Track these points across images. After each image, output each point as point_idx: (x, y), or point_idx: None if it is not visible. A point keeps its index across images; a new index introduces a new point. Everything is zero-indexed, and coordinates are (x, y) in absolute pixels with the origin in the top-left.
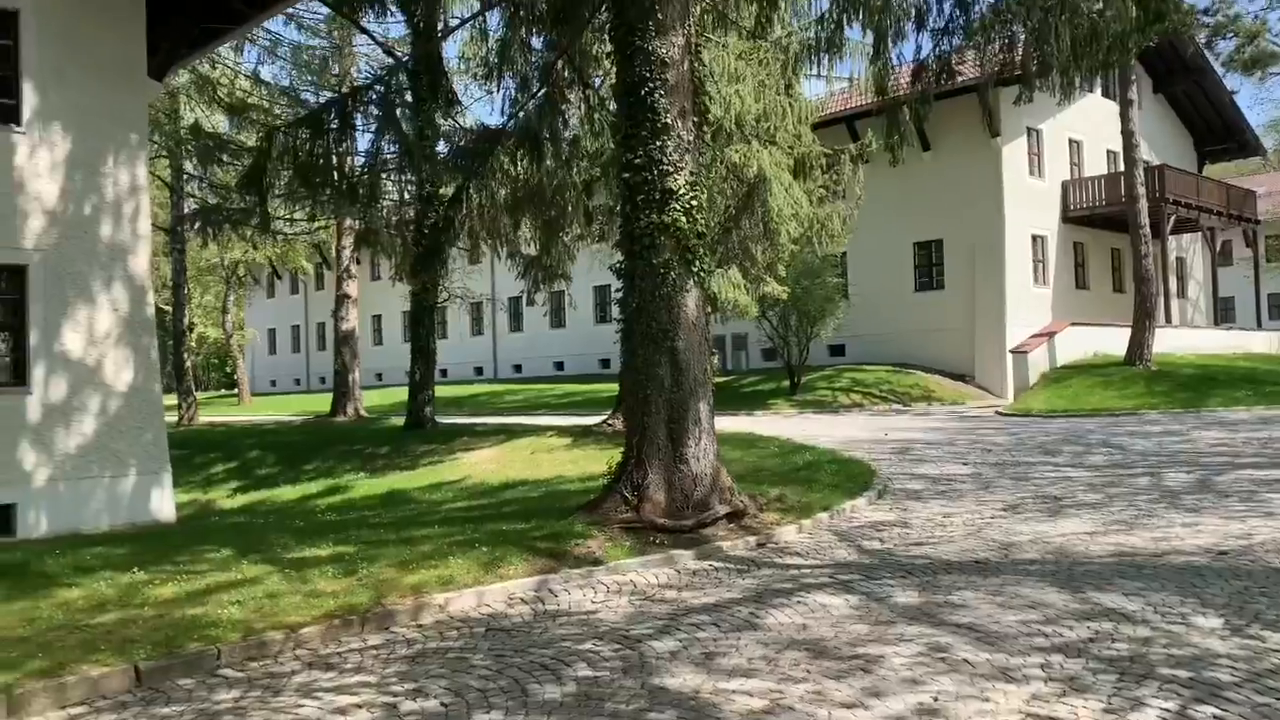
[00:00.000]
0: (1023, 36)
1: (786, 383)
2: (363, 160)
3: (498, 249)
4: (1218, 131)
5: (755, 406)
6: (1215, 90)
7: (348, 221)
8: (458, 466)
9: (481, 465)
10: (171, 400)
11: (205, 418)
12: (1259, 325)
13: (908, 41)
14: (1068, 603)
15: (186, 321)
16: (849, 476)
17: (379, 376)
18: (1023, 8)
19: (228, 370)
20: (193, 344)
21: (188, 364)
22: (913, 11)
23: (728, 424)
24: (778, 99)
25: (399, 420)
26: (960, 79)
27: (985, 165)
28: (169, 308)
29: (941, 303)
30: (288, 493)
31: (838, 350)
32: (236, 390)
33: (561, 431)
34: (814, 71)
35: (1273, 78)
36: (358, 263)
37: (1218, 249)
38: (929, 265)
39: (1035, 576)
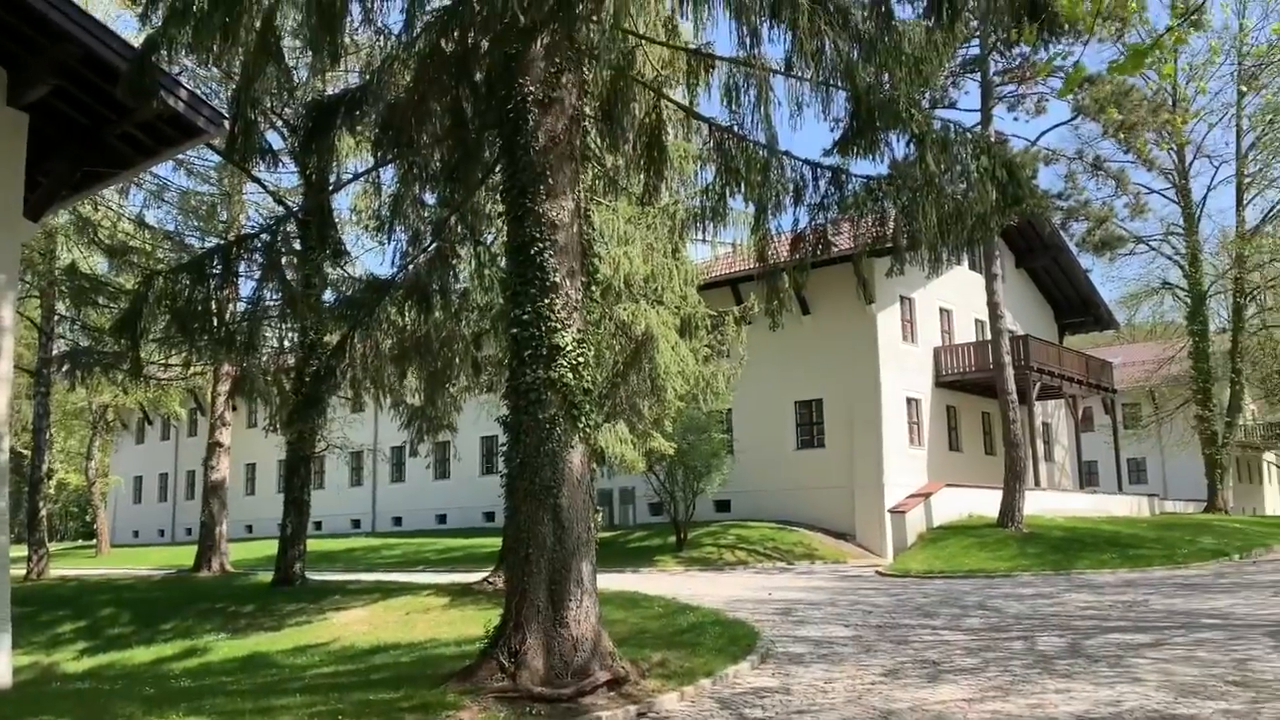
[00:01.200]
0: (893, 213)
1: (673, 538)
2: (244, 307)
3: (380, 399)
4: (1075, 305)
5: (642, 563)
6: (1072, 267)
7: (225, 367)
8: (327, 627)
9: (352, 626)
10: (21, 551)
11: (58, 571)
12: (1120, 489)
13: (787, 214)
14: None
15: (45, 468)
16: (732, 639)
17: (249, 529)
18: (893, 187)
19: (88, 519)
20: (50, 491)
21: (43, 513)
22: (791, 187)
23: (613, 582)
24: (665, 261)
25: (267, 576)
26: (836, 250)
27: (862, 330)
28: (27, 451)
29: (822, 461)
30: (141, 655)
31: (724, 506)
32: (95, 541)
33: (440, 590)
34: (700, 237)
35: (1121, 258)
36: (234, 409)
37: (1080, 415)
38: (810, 424)
39: None
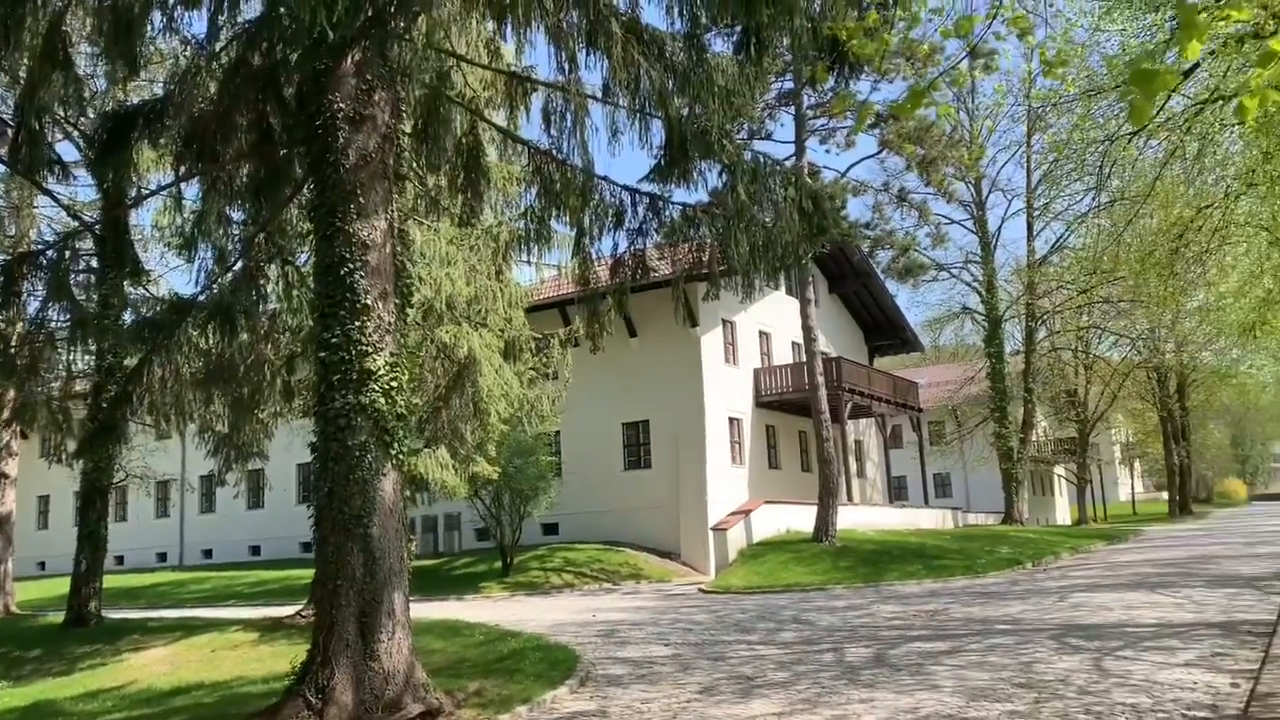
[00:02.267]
0: (709, 240)
1: (499, 564)
2: (28, 329)
3: (181, 425)
4: (884, 328)
5: (466, 590)
6: (880, 293)
7: (10, 394)
8: (124, 670)
9: (152, 667)
10: None
11: None
12: (926, 503)
13: (608, 238)
14: None
15: None
16: (553, 664)
17: (42, 565)
18: (708, 215)
19: None
20: None
21: None
22: (610, 212)
23: (436, 610)
24: (489, 283)
25: (59, 616)
26: (656, 275)
27: (686, 352)
28: None
29: (649, 481)
30: None
31: (551, 529)
32: None
33: (249, 625)
34: (525, 259)
35: (925, 284)
36: (23, 437)
37: (889, 433)
38: (637, 444)
39: None
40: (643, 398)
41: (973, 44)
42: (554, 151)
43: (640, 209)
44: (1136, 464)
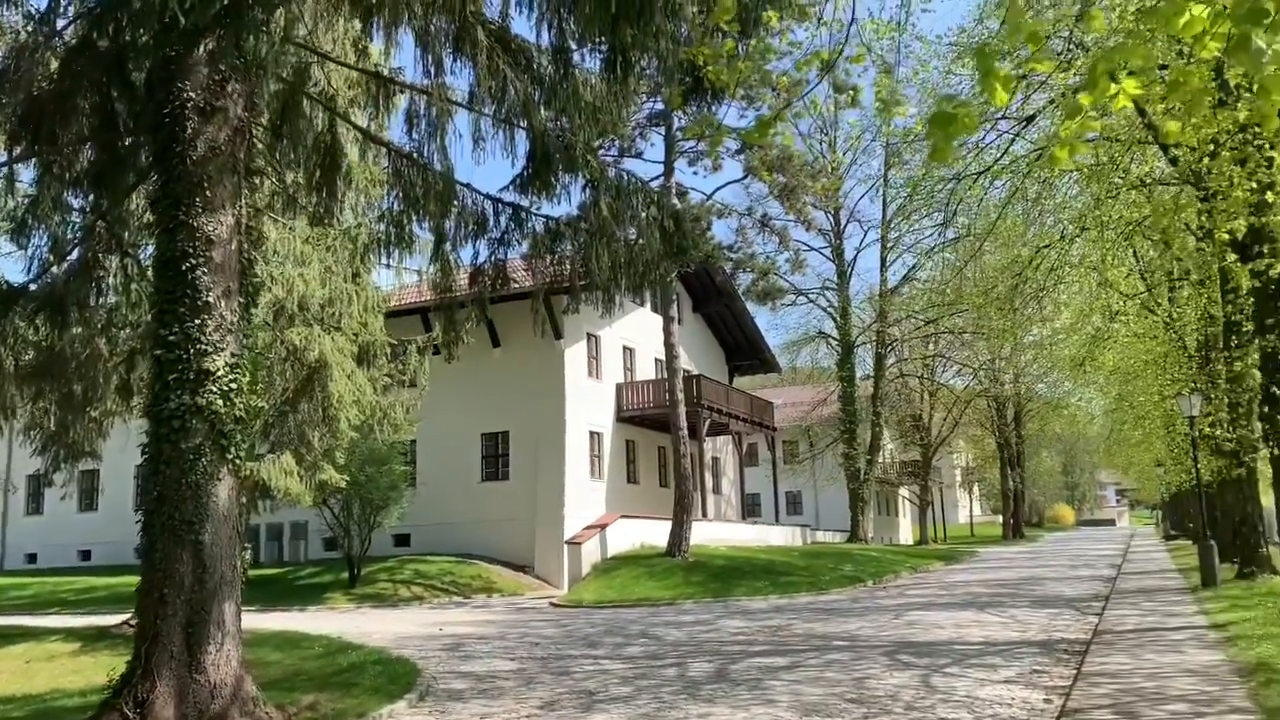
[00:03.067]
0: (570, 254)
1: (346, 574)
2: None
3: (4, 420)
4: (745, 349)
5: (311, 601)
6: (742, 314)
7: None
8: None
9: None
10: None
11: None
12: (777, 520)
13: (470, 246)
14: None
15: None
16: (393, 678)
17: None
18: (570, 229)
19: None
20: None
21: None
22: (472, 220)
23: (277, 621)
24: (345, 286)
25: None
26: (517, 286)
27: (549, 364)
28: None
29: (507, 493)
30: None
31: (403, 540)
32: None
33: (71, 634)
34: (385, 262)
35: (784, 307)
36: None
37: (745, 451)
38: (496, 456)
39: None
40: (503, 408)
41: (830, 77)
42: (415, 155)
43: (503, 219)
44: (975, 488)
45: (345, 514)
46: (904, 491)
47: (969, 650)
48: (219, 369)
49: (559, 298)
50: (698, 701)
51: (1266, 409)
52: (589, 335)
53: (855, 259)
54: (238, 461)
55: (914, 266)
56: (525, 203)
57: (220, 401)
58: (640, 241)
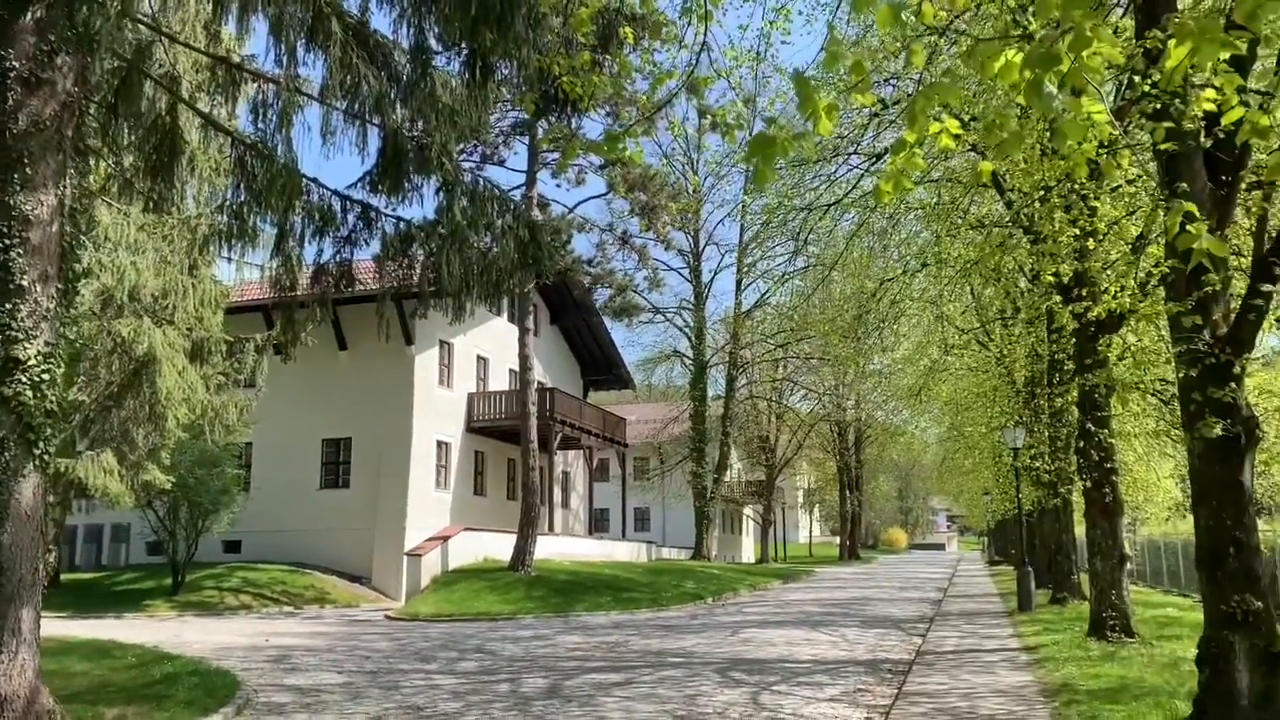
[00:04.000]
0: (421, 258)
1: (170, 580)
2: None
3: None
4: (600, 364)
5: (129, 608)
6: (599, 329)
7: None
8: None
9: None
10: None
11: None
12: (624, 536)
13: (314, 243)
14: None
15: None
16: (209, 691)
17: None
18: (422, 232)
19: None
20: None
21: None
22: (318, 216)
23: (87, 628)
24: (181, 277)
25: None
26: (364, 288)
27: (398, 370)
28: None
29: (346, 501)
30: None
31: (234, 547)
32: None
33: None
34: (225, 255)
35: (641, 325)
36: None
37: (595, 466)
38: (336, 463)
39: None
40: (347, 414)
41: (695, 101)
42: (260, 145)
43: (351, 217)
44: (815, 509)
45: (171, 517)
46: (748, 510)
47: (799, 668)
48: (30, 358)
49: (411, 303)
50: (528, 717)
51: (1081, 444)
52: (442, 343)
53: (712, 281)
54: (46, 458)
55: (767, 292)
56: (376, 202)
57: (30, 393)
58: (495, 250)
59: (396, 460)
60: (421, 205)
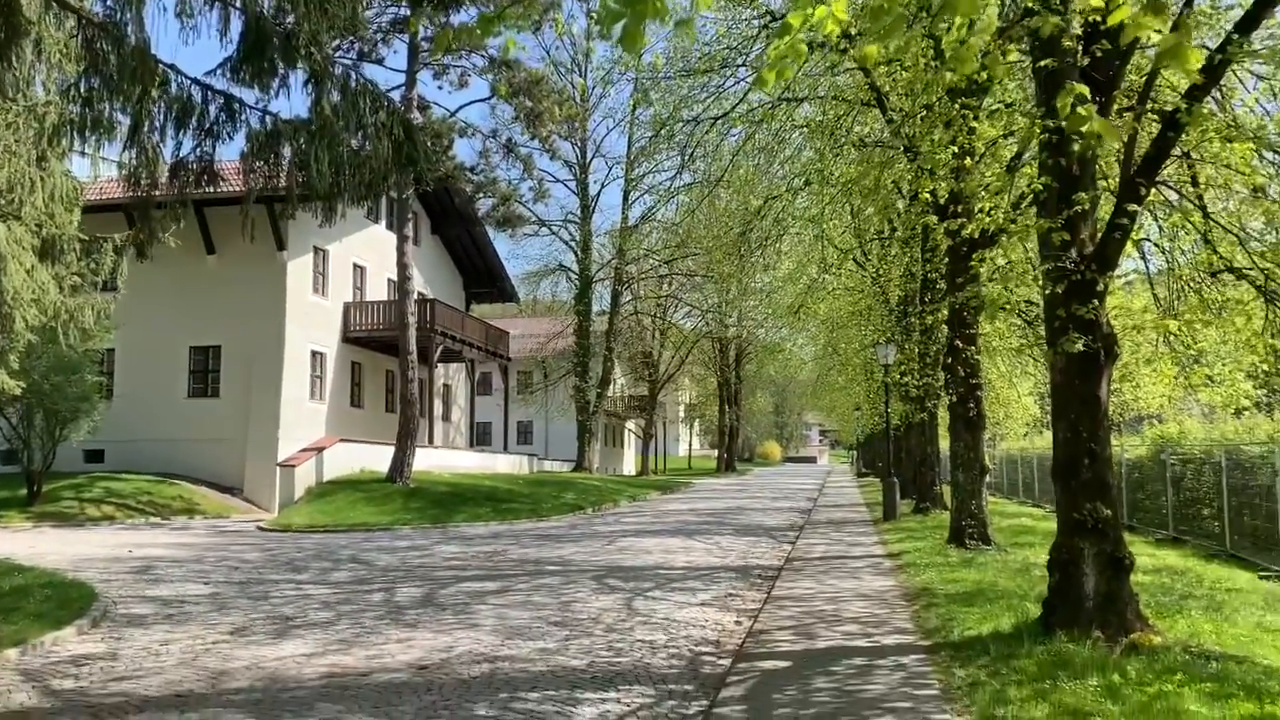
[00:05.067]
0: (289, 156)
1: (24, 490)
2: None
3: None
4: (483, 276)
5: None
6: (482, 240)
7: None
8: None
9: None
10: None
11: None
12: (506, 449)
13: (174, 136)
14: None
15: None
16: (63, 602)
17: None
18: (290, 127)
19: None
20: None
21: None
22: (176, 107)
23: None
24: (28, 170)
25: None
26: (228, 187)
27: (271, 277)
28: None
29: (216, 411)
30: None
31: (96, 456)
32: None
33: None
34: (79, 148)
35: (527, 238)
36: None
37: (477, 379)
38: (205, 371)
39: (235, 708)
40: (217, 321)
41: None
42: (110, 25)
43: (213, 109)
44: (695, 423)
45: (25, 425)
46: (630, 425)
47: (673, 575)
48: None
49: (282, 206)
50: (400, 626)
51: (950, 360)
52: (316, 249)
53: (599, 194)
54: None
55: (653, 206)
56: (241, 94)
57: None
58: (368, 149)
59: (269, 370)
60: (289, 98)
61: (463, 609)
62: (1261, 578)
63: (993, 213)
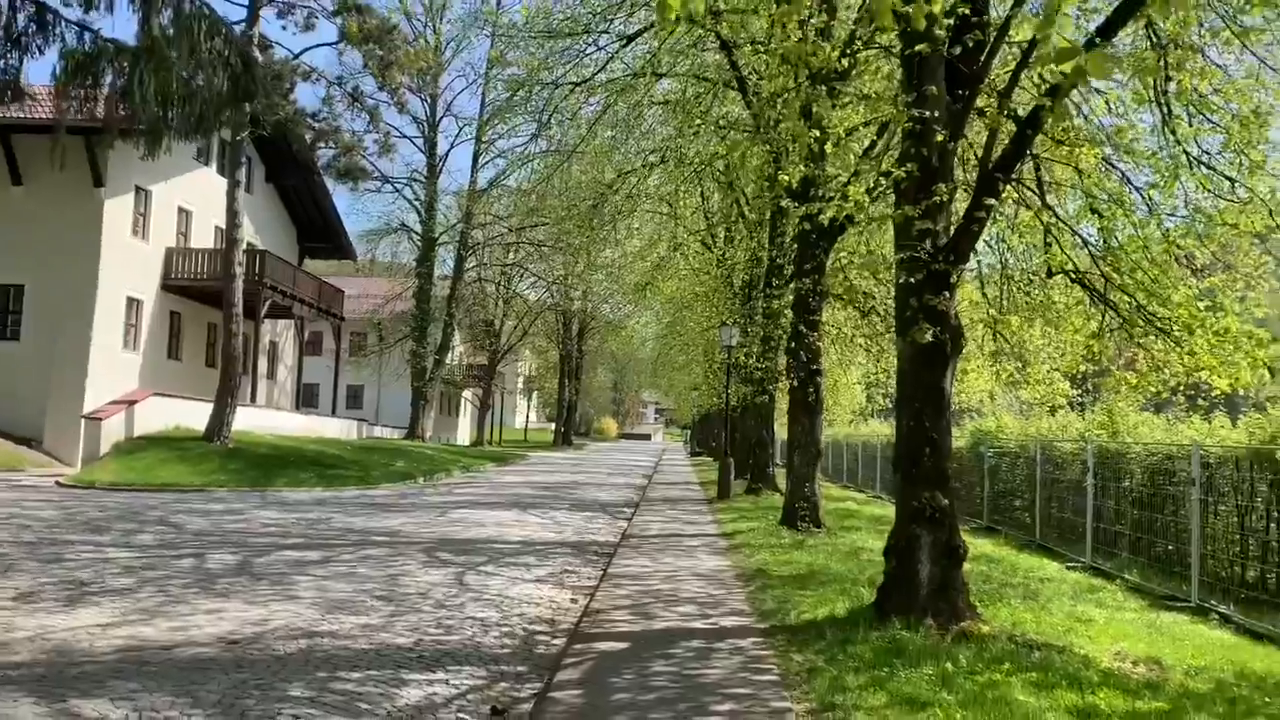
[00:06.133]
0: (111, 81)
1: None
2: None
3: None
4: (320, 231)
5: None
6: (320, 193)
7: None
8: None
9: None
10: None
11: None
12: (334, 412)
13: None
14: (41, 717)
15: None
16: None
17: None
18: (112, 46)
19: None
20: None
21: None
22: None
23: None
24: None
25: None
26: (39, 111)
27: (86, 215)
28: None
29: (15, 356)
30: None
31: None
32: None
33: None
34: None
35: (370, 194)
36: None
37: (307, 338)
38: (5, 312)
39: (14, 684)
40: (20, 258)
41: None
42: None
43: (21, 17)
44: (534, 396)
45: None
46: (467, 393)
47: (507, 549)
48: None
49: (104, 139)
50: (210, 596)
51: (793, 345)
52: (138, 189)
53: (448, 154)
54: None
55: (505, 170)
56: (58, 7)
57: None
58: (201, 79)
59: (78, 314)
60: (113, 14)
61: (280, 579)
62: (1068, 568)
63: (850, 198)
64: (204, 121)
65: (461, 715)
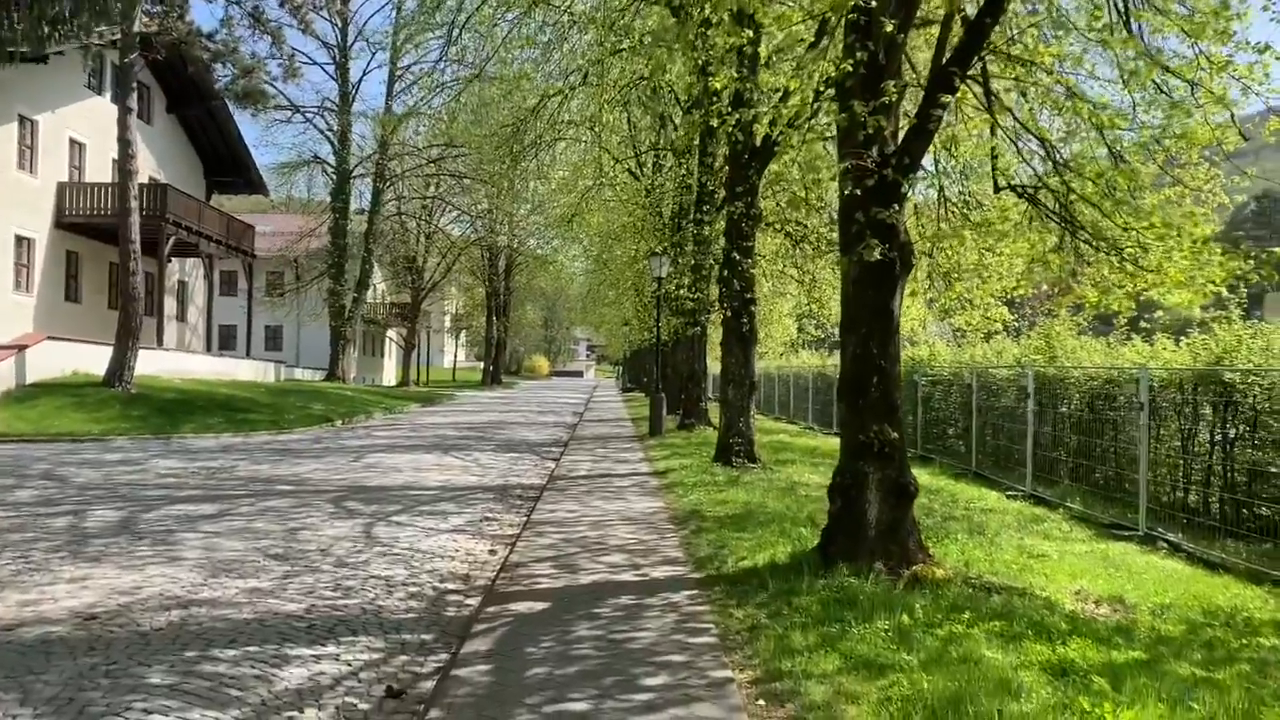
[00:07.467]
0: None
1: None
2: None
3: None
4: (227, 164)
5: None
6: (226, 123)
7: None
8: None
9: None
10: None
11: None
12: (249, 354)
13: None
14: None
15: None
16: None
17: None
18: None
19: None
20: None
21: None
22: None
23: None
24: None
25: None
26: None
27: None
28: None
29: None
30: None
31: None
32: None
33: None
34: None
35: (279, 125)
36: None
37: (218, 278)
38: None
39: None
40: None
41: None
42: None
43: None
44: (462, 334)
45: None
46: (392, 333)
47: (424, 496)
48: None
49: None
50: (79, 561)
51: (725, 273)
52: (23, 118)
53: (360, 82)
54: None
55: (421, 97)
56: None
57: None
58: None
59: None
60: None
61: (165, 538)
62: (1009, 497)
63: (789, 103)
64: (82, 17)
65: (350, 700)
